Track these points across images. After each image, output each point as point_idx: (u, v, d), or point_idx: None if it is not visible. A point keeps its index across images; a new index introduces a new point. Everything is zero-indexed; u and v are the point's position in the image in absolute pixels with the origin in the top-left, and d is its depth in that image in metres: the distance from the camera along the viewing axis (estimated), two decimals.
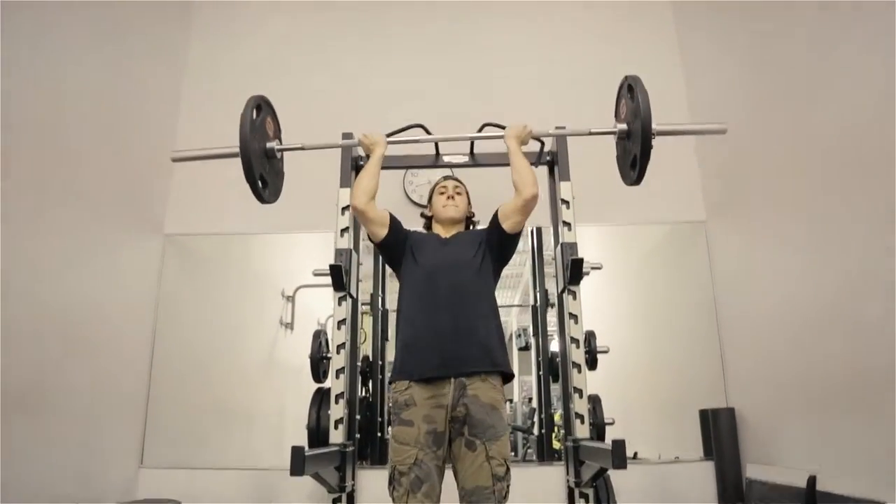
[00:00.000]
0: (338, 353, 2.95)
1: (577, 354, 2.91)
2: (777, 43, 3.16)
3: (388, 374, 3.90)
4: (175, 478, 3.68)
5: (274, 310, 4.17)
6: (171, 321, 4.02)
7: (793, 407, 3.07)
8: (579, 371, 2.90)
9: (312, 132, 4.13)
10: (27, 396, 2.82)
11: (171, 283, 4.08)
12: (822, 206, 2.82)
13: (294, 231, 4.11)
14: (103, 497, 3.30)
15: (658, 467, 3.70)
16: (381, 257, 3.99)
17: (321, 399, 3.19)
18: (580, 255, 2.95)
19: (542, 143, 3.31)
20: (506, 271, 2.70)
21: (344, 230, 3.09)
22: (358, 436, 3.18)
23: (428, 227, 2.73)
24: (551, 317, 3.92)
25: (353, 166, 3.33)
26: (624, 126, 2.51)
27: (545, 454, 3.83)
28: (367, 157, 2.70)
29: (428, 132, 3.24)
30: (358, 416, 3.22)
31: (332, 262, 2.97)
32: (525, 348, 4.60)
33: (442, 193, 2.66)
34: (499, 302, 2.56)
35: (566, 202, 3.11)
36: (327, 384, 3.25)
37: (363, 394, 3.85)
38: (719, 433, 3.54)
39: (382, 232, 2.47)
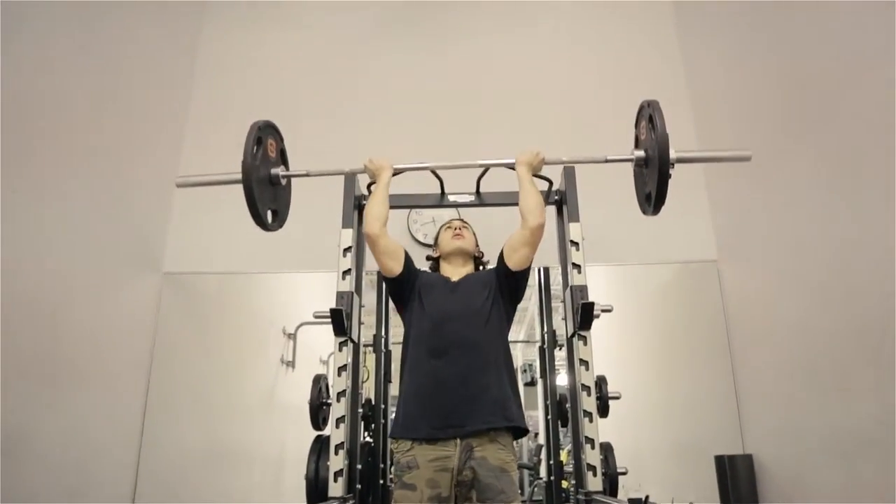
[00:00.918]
0: (338, 400, 2.83)
1: (589, 403, 2.78)
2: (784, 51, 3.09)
3: (391, 418, 3.78)
4: None
5: (275, 348, 4.09)
6: (168, 359, 3.93)
7: (816, 455, 2.93)
8: (591, 420, 2.76)
9: (319, 161, 4.16)
10: (12, 446, 2.71)
11: (168, 321, 3.99)
12: (838, 242, 2.74)
13: (296, 270, 4.03)
14: None
15: None
16: (384, 293, 3.92)
17: (320, 448, 3.06)
18: (590, 297, 2.84)
19: (551, 183, 3.22)
20: None
21: (346, 272, 2.98)
22: (359, 486, 3.05)
23: (435, 269, 2.63)
24: (558, 356, 3.80)
25: (356, 205, 3.24)
26: (641, 153, 2.46)
27: (555, 501, 3.68)
28: (373, 184, 2.70)
29: (437, 176, 3.17)
30: (360, 466, 3.09)
31: (333, 305, 2.87)
32: (531, 384, 4.49)
33: (449, 229, 2.67)
34: None
35: (576, 244, 3.00)
36: (327, 431, 3.13)
37: (365, 438, 3.72)
38: (737, 481, 3.40)
39: (397, 268, 2.39)
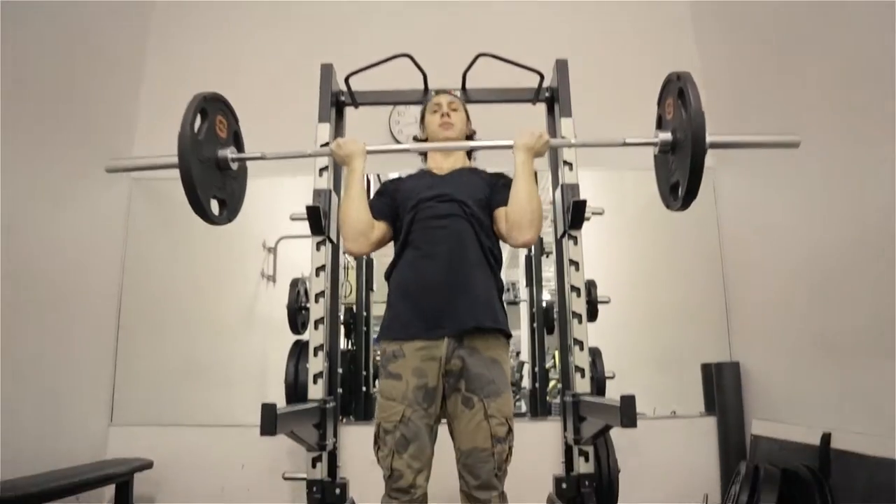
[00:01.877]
0: (316, 301, 2.71)
1: (578, 304, 2.68)
2: None
3: (374, 327, 3.70)
4: (147, 436, 3.48)
5: (255, 262, 3.93)
6: (140, 271, 3.76)
7: (803, 361, 2.89)
8: (580, 322, 2.67)
9: (289, 63, 3.91)
10: None
11: (140, 231, 3.81)
12: (837, 150, 2.63)
13: (275, 175, 3.82)
14: (71, 458, 3.07)
15: (656, 422, 3.54)
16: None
17: (299, 352, 2.97)
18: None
19: (542, 77, 3.02)
20: None
21: (323, 169, 2.81)
22: (340, 390, 2.97)
23: (424, 154, 2.39)
24: (546, 269, 3.72)
25: (334, 101, 3.04)
26: (668, 136, 2.00)
27: (539, 409, 3.65)
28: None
29: (417, 65, 2.95)
30: (340, 370, 3.00)
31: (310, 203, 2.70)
32: (513, 303, 4.41)
33: (435, 112, 2.28)
34: None
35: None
36: (306, 336, 3.03)
37: (347, 346, 3.64)
38: (723, 388, 3.37)
39: (390, 234, 2.16)
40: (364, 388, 3.64)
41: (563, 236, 2.78)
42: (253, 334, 3.92)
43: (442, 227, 1.99)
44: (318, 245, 2.74)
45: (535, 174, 2.76)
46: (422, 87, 3.10)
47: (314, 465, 2.62)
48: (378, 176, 3.80)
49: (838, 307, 2.62)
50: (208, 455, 3.49)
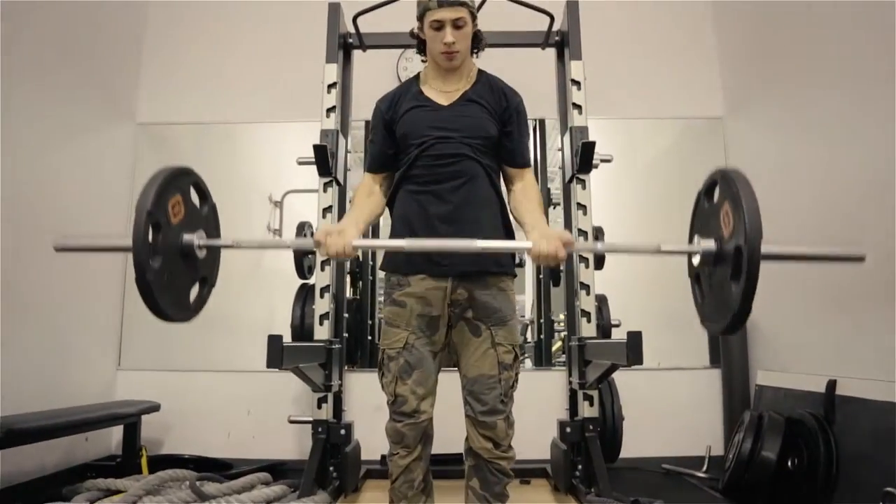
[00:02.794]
0: None
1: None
2: None
3: (379, 278, 3.69)
4: (154, 380, 3.50)
5: (261, 215, 3.91)
6: None
7: (810, 311, 2.87)
8: (587, 266, 2.66)
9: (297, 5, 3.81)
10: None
11: (146, 175, 3.77)
12: (845, 102, 2.59)
13: (282, 120, 3.79)
14: (80, 399, 3.09)
15: (661, 373, 3.53)
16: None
17: (305, 295, 2.97)
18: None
19: (552, 19, 2.96)
20: None
21: (330, 109, 2.78)
22: (346, 335, 2.97)
23: (421, 50, 2.01)
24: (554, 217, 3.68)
25: (341, 44, 2.99)
26: (710, 245, 1.59)
27: (543, 359, 3.65)
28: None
29: None
30: (346, 315, 3.01)
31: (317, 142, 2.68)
32: (519, 265, 4.37)
33: (437, 29, 1.83)
34: None
35: (577, 83, 2.80)
36: (312, 280, 3.02)
37: (352, 294, 3.64)
38: (728, 340, 3.35)
39: (387, 185, 1.99)
40: (369, 337, 3.64)
41: (570, 180, 2.76)
42: (259, 286, 3.92)
43: (448, 165, 1.86)
44: (325, 186, 2.73)
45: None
46: None
47: (319, 406, 2.64)
48: None
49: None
50: (215, 400, 3.52)
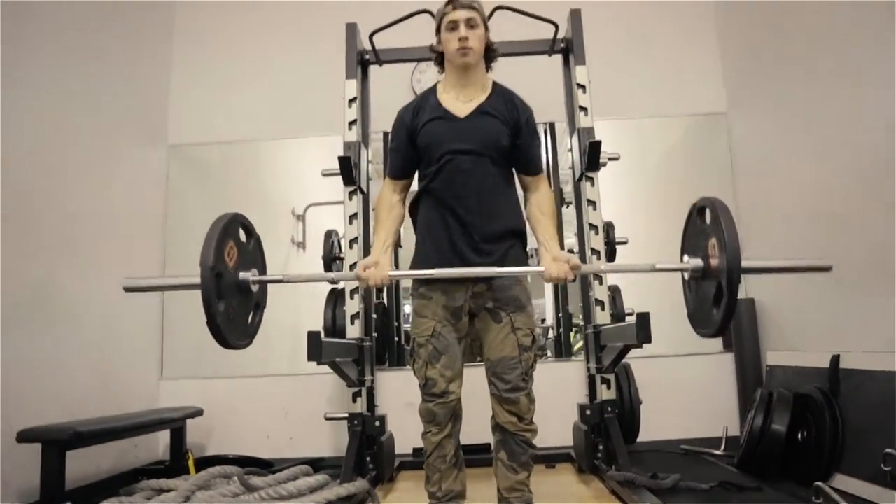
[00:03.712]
0: (350, 248, 2.90)
1: (596, 241, 2.84)
2: None
3: (403, 283, 3.86)
4: (195, 388, 3.70)
5: (285, 228, 4.10)
6: (180, 234, 3.96)
7: (814, 292, 3.01)
8: (598, 258, 2.83)
9: (317, 27, 4.02)
10: (43, 304, 2.78)
11: (178, 195, 3.99)
12: (844, 95, 2.71)
13: (303, 135, 3.99)
14: (127, 408, 3.30)
15: (677, 360, 3.68)
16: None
17: (336, 299, 3.15)
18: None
19: (556, 28, 3.14)
20: None
21: (352, 123, 2.98)
22: (375, 334, 3.15)
23: (440, 62, 2.21)
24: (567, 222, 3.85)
25: (359, 60, 3.19)
26: (699, 263, 1.91)
27: (563, 351, 3.81)
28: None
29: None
30: (374, 316, 3.19)
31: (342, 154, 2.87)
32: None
33: (452, 29, 2.04)
34: None
35: (582, 87, 2.98)
36: (340, 285, 3.21)
37: (378, 299, 3.82)
38: (739, 324, 3.49)
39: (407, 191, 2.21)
40: (396, 339, 3.82)
41: (580, 179, 2.93)
42: (286, 298, 4.08)
43: (467, 176, 2.03)
44: (350, 195, 2.92)
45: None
46: None
47: (354, 400, 2.82)
48: None
49: (845, 239, 2.72)
50: (253, 404, 3.72)
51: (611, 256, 3.13)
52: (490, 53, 2.17)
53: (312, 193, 4.08)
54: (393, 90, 3.73)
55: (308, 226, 4.13)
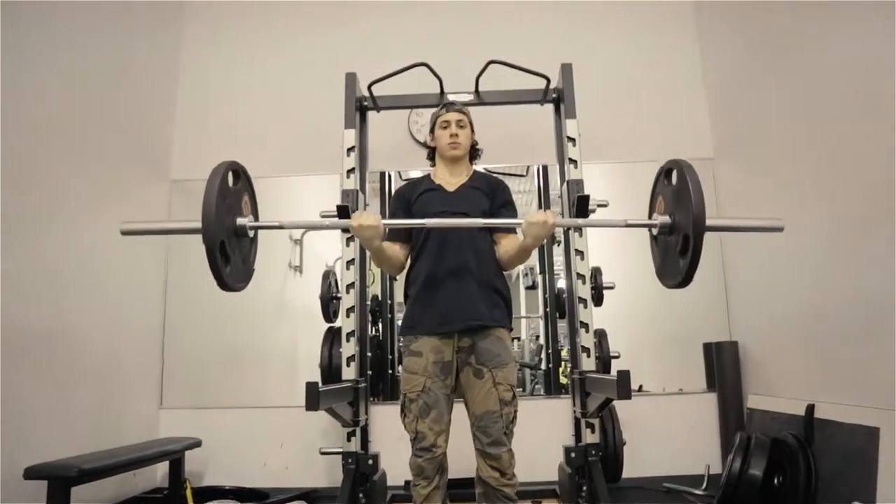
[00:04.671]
0: (347, 292, 3.00)
1: (584, 290, 2.95)
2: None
3: (397, 313, 3.98)
4: (193, 418, 3.80)
5: (282, 253, 4.21)
6: (181, 264, 4.06)
7: (794, 340, 3.12)
8: (585, 306, 2.95)
9: (314, 74, 4.17)
10: (44, 343, 2.88)
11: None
12: (828, 149, 2.83)
13: (300, 174, 4.12)
14: (128, 436, 3.41)
15: (662, 399, 3.81)
16: (387, 194, 4.06)
17: (332, 338, 3.26)
18: (586, 192, 2.96)
19: (548, 81, 3.27)
20: None
21: (350, 171, 3.09)
22: (370, 372, 3.26)
23: (431, 157, 2.56)
24: (557, 255, 3.97)
25: (358, 107, 3.31)
26: (666, 219, 2.04)
27: (552, 388, 3.92)
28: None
29: (433, 72, 3.22)
30: (369, 354, 3.30)
31: (339, 203, 2.98)
32: (532, 287, 4.67)
33: (445, 128, 2.43)
34: None
35: (572, 139, 3.10)
36: (338, 323, 3.32)
37: (373, 333, 3.93)
38: (722, 366, 3.61)
39: (406, 254, 2.38)
40: (390, 371, 3.93)
41: (569, 228, 3.05)
42: (283, 322, 4.22)
43: (452, 239, 2.27)
44: (348, 241, 3.03)
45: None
46: (437, 90, 3.37)
47: (349, 440, 2.93)
48: (390, 180, 4.07)
49: (825, 292, 2.84)
50: (250, 435, 3.81)
51: (598, 301, 3.25)
52: (474, 150, 2.54)
53: (309, 220, 4.19)
54: (389, 132, 3.88)
55: (305, 250, 4.25)
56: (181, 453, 3.37)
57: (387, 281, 4.05)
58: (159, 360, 3.91)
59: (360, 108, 3.36)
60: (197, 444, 3.45)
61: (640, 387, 3.89)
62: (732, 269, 3.83)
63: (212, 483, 3.64)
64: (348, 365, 2.94)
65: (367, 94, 3.34)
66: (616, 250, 3.86)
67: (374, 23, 4.32)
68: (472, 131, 2.52)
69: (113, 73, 3.52)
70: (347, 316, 2.99)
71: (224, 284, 2.02)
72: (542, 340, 4.26)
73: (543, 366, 4.17)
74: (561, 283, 3.96)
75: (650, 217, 2.15)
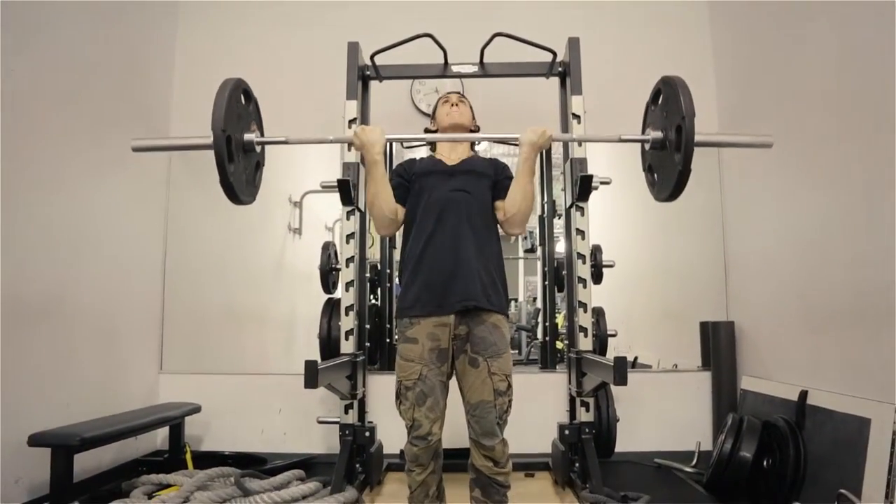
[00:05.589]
0: (347, 266, 3.01)
1: (583, 270, 2.96)
2: None
3: (395, 282, 3.99)
4: (193, 383, 3.83)
5: (282, 216, 4.22)
6: (181, 229, 4.06)
7: (790, 325, 3.13)
8: (584, 286, 2.95)
9: (316, 42, 4.09)
10: (44, 309, 2.89)
11: (178, 192, 4.08)
12: (833, 136, 2.80)
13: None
14: (130, 401, 3.46)
15: (657, 375, 3.85)
16: (386, 166, 4.02)
17: (331, 310, 3.28)
18: (589, 168, 2.94)
19: (555, 54, 3.22)
20: None
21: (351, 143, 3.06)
22: (368, 344, 3.29)
23: (433, 145, 2.61)
24: (557, 224, 3.96)
25: (360, 76, 3.26)
26: (659, 134, 2.16)
27: (549, 362, 3.95)
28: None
29: (438, 43, 3.16)
30: (368, 325, 3.32)
31: (340, 176, 2.96)
32: (531, 250, 4.69)
33: (445, 102, 2.56)
34: None
35: (577, 116, 3.06)
36: (337, 294, 3.33)
37: (372, 301, 3.94)
38: (718, 345, 3.63)
39: (402, 214, 2.38)
40: (388, 340, 3.95)
41: (570, 206, 3.03)
42: (282, 285, 4.25)
43: (450, 214, 2.25)
44: (348, 214, 3.02)
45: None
46: (441, 60, 3.32)
47: (346, 412, 2.97)
48: (392, 150, 4.03)
49: (825, 278, 2.84)
50: (249, 401, 3.85)
51: (597, 279, 3.25)
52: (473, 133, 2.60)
53: (309, 182, 4.19)
54: (392, 102, 3.82)
55: (304, 212, 4.25)
56: (181, 419, 3.42)
57: (386, 249, 4.04)
58: (159, 326, 3.93)
59: (362, 78, 3.31)
60: (196, 409, 3.50)
61: (636, 359, 3.94)
62: (733, 249, 3.82)
63: (211, 448, 3.70)
64: (347, 338, 2.96)
65: (369, 63, 3.29)
66: (617, 226, 3.86)
67: None
68: (473, 117, 2.59)
69: (108, 36, 3.45)
70: (346, 290, 3.00)
71: (234, 196, 2.15)
72: (539, 303, 4.29)
73: (540, 335, 4.19)
74: (560, 248, 3.94)
75: (643, 132, 2.29)
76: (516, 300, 5.51)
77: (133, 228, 3.67)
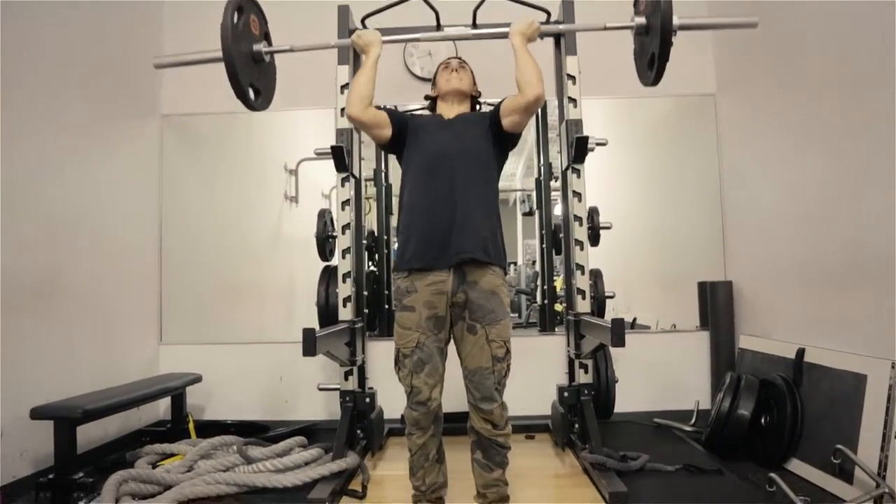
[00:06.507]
0: (343, 233, 2.99)
1: (580, 232, 2.94)
2: None
3: (393, 247, 3.98)
4: (193, 353, 3.86)
5: (278, 184, 4.19)
6: (176, 202, 4.04)
7: (788, 284, 3.13)
8: (581, 248, 2.94)
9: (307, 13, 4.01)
10: (43, 286, 2.89)
11: (172, 164, 4.05)
12: (832, 89, 2.75)
13: (294, 108, 4.01)
14: (131, 372, 3.48)
15: (656, 336, 3.86)
16: None
17: (329, 277, 3.27)
18: (585, 130, 2.91)
19: (549, 14, 3.15)
20: None
21: (343, 109, 3.01)
22: (366, 311, 3.29)
23: (432, 108, 2.57)
24: (554, 186, 3.94)
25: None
26: (642, 20, 2.35)
27: (547, 325, 3.96)
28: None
29: (429, 4, 3.10)
30: (366, 292, 3.32)
31: (334, 142, 2.94)
32: (529, 213, 4.68)
33: (446, 68, 2.52)
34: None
35: (572, 77, 3.01)
36: (334, 262, 3.32)
37: (370, 267, 3.94)
38: (716, 305, 3.64)
39: (387, 133, 2.35)
40: (387, 306, 3.96)
41: (567, 169, 3.01)
42: (280, 253, 4.23)
43: (448, 165, 2.24)
44: (343, 181, 3.00)
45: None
46: (434, 23, 3.25)
47: (346, 378, 2.98)
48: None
49: (822, 237, 2.82)
50: (249, 369, 3.87)
51: (594, 241, 3.24)
52: (475, 101, 2.59)
53: (304, 150, 4.14)
54: (385, 66, 3.72)
55: (300, 179, 4.22)
56: (182, 389, 3.44)
57: (383, 216, 4.03)
58: (157, 297, 3.93)
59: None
60: (197, 379, 3.52)
61: (635, 320, 3.95)
62: (731, 209, 3.80)
63: (213, 416, 3.74)
64: (345, 305, 2.96)
65: (360, 27, 3.22)
66: (614, 187, 3.84)
67: None
68: (474, 83, 2.57)
69: (96, 6, 3.38)
70: (343, 257, 2.99)
71: (250, 106, 2.44)
72: (538, 267, 4.29)
73: (539, 299, 4.20)
74: (557, 211, 3.92)
75: (632, 20, 2.43)
76: (515, 263, 5.51)
77: (128, 204, 3.65)
